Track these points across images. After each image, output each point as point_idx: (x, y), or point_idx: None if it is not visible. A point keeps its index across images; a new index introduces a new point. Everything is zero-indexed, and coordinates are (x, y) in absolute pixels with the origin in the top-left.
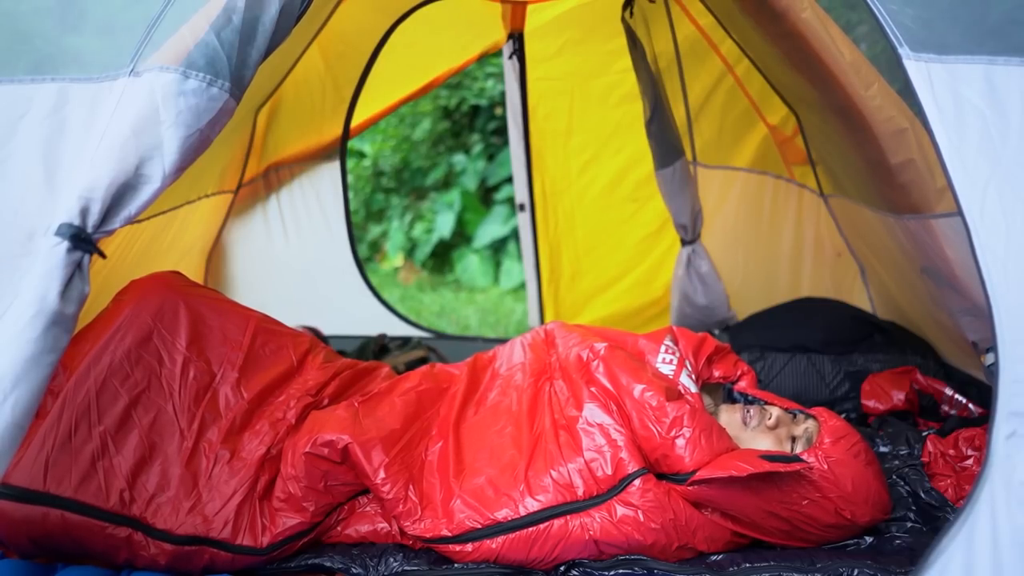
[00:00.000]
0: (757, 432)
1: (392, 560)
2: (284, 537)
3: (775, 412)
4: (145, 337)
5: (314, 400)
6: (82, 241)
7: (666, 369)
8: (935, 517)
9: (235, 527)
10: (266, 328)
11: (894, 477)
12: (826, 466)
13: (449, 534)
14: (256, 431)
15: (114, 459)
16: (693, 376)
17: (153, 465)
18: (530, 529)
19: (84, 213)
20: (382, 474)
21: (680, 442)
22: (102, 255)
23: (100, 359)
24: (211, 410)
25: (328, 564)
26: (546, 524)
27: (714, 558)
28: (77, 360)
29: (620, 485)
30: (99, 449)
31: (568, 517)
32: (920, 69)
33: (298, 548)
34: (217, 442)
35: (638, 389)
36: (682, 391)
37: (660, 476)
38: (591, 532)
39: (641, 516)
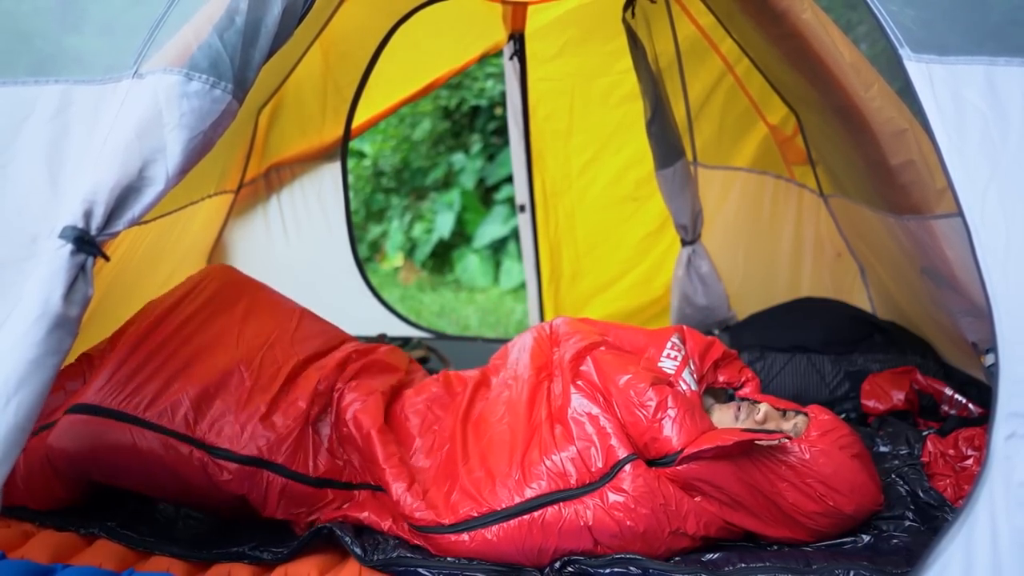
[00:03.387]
0: (746, 426)
1: (388, 547)
2: (330, 477)
3: (763, 407)
4: (213, 307)
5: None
6: (86, 244)
7: (669, 365)
8: (933, 516)
9: (292, 453)
10: (310, 314)
11: (893, 477)
12: (807, 455)
13: (447, 523)
14: (307, 375)
15: (179, 392)
16: (695, 376)
17: (215, 401)
18: (525, 517)
19: (88, 216)
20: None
21: (667, 423)
22: (106, 258)
23: (173, 314)
24: (269, 360)
25: (338, 532)
26: (540, 512)
27: (710, 556)
28: (145, 316)
29: (611, 472)
30: (163, 385)
31: (562, 504)
32: (921, 70)
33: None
34: (274, 386)
35: (623, 379)
36: (683, 386)
37: (650, 463)
38: (584, 520)
39: (632, 503)
